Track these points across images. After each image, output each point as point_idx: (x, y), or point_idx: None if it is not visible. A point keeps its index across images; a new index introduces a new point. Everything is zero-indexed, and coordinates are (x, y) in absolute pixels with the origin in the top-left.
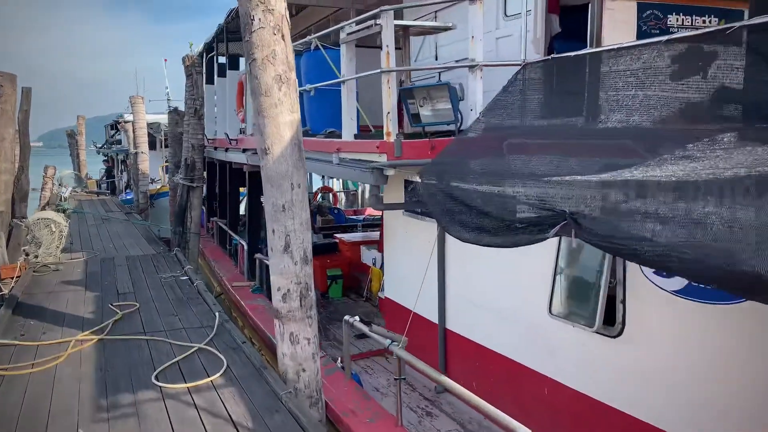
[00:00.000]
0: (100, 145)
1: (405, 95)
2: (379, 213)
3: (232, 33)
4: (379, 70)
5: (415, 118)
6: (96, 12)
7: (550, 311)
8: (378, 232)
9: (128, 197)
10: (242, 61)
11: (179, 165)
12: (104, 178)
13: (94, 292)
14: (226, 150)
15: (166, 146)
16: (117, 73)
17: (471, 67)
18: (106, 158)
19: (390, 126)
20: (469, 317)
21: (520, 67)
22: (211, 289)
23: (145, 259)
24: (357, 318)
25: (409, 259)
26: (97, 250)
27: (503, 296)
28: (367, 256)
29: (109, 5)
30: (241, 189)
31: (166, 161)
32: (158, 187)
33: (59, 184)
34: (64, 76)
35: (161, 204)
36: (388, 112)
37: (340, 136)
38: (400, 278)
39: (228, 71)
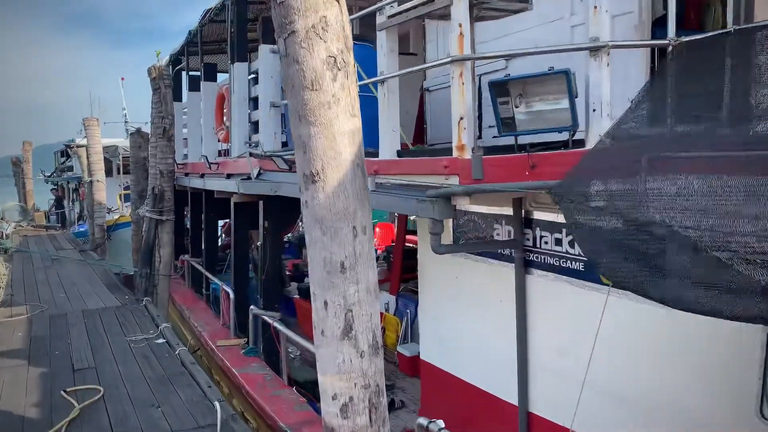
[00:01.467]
0: (48, 174)
1: (496, 91)
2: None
3: (207, 43)
4: (448, 59)
5: (507, 124)
6: (44, 34)
7: (761, 414)
8: (382, 269)
9: (81, 230)
10: (219, 75)
11: (143, 194)
12: (53, 209)
13: (40, 369)
14: (202, 176)
15: (125, 172)
16: (68, 100)
17: (593, 49)
18: (55, 187)
19: (464, 137)
20: (576, 402)
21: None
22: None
23: (108, 313)
24: (441, 423)
25: (463, 313)
26: (45, 302)
27: (644, 378)
28: None
29: (60, 27)
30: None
31: (126, 189)
32: (116, 217)
33: (1, 218)
34: (11, 103)
35: (119, 236)
36: (461, 118)
37: (371, 155)
38: (447, 337)
39: (203, 83)
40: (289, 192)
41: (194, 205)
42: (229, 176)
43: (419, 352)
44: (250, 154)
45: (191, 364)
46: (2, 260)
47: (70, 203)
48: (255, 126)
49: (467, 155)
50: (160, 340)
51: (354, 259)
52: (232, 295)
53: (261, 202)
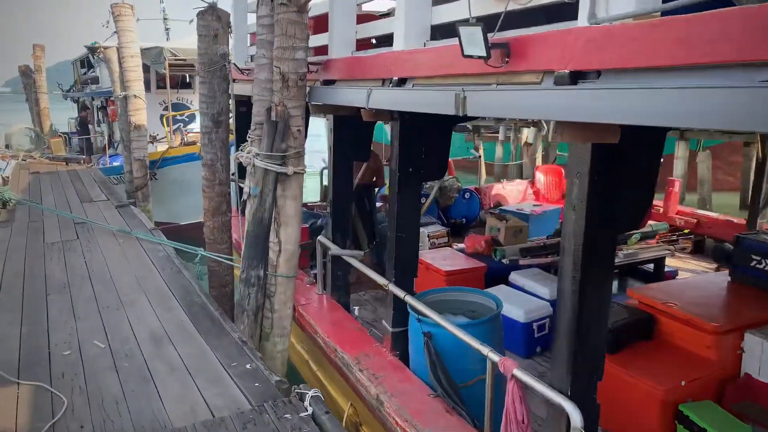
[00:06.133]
0: (67, 89)
1: None
2: None
3: None
4: None
5: None
6: None
7: None
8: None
9: (114, 164)
10: None
11: (219, 120)
12: (76, 132)
13: None
14: (400, 82)
15: (174, 86)
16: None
17: None
18: (86, 105)
19: None
20: None
21: None
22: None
23: None
24: None
25: None
26: (63, 374)
27: None
28: None
29: None
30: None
31: (176, 111)
32: (162, 148)
33: (6, 147)
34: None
35: (169, 175)
36: None
37: None
38: None
39: None
40: None
41: (343, 141)
42: (602, 74)
43: None
44: None
45: None
46: None
47: (96, 125)
48: None
49: None
50: None
51: None
52: (579, 422)
53: None
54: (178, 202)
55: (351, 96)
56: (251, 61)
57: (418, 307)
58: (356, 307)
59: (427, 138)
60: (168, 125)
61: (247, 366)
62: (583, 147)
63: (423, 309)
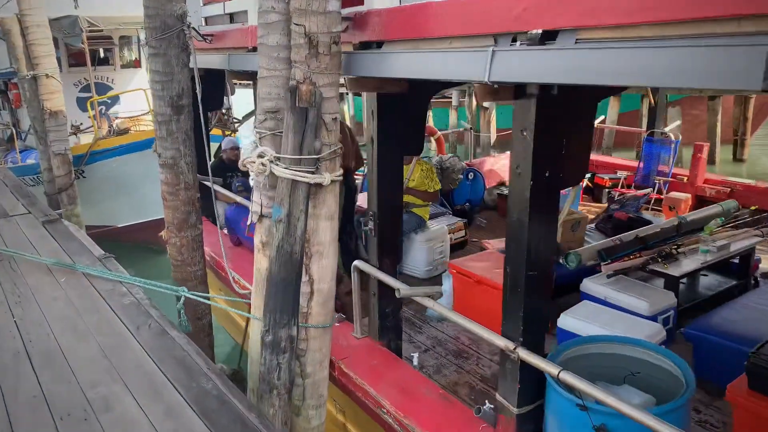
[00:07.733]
0: None
1: None
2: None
3: None
4: None
5: None
6: None
7: None
8: None
9: (28, 162)
10: None
11: (179, 105)
12: None
13: None
14: (541, 41)
15: (97, 62)
16: None
17: None
18: None
19: None
20: None
21: None
22: None
23: None
24: None
25: None
26: None
27: None
28: None
29: None
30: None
31: (100, 95)
32: (87, 141)
33: None
34: None
35: (100, 172)
36: None
37: None
38: None
39: None
40: None
41: (391, 130)
42: None
43: None
44: None
45: None
46: None
47: None
48: None
49: None
50: None
51: None
52: None
53: None
54: (113, 201)
55: (441, 64)
56: (206, 24)
57: (585, 388)
58: (414, 354)
59: (569, 124)
60: (93, 110)
61: None
62: None
63: (596, 393)
